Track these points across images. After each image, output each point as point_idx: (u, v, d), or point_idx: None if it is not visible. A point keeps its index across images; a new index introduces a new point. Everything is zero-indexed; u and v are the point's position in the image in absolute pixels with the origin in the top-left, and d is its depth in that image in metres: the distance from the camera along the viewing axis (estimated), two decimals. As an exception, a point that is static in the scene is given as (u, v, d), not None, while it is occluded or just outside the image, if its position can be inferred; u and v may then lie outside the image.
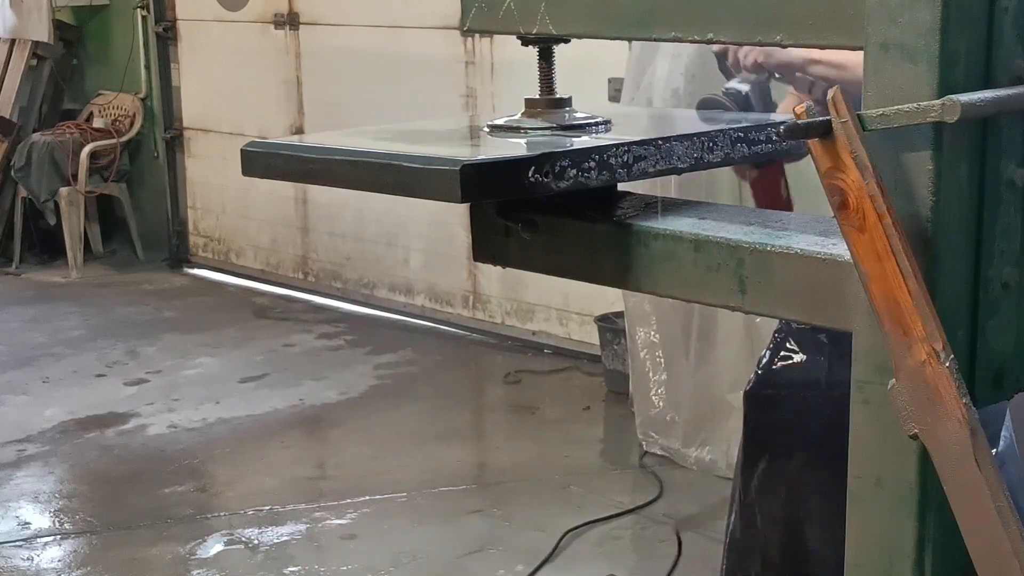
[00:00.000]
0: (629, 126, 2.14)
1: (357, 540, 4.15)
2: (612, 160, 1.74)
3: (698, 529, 4.12)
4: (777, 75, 2.55)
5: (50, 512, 4.45)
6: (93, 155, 7.68)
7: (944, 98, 1.33)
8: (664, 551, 4.01)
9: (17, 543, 4.19)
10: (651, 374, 4.68)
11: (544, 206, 1.80)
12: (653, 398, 4.68)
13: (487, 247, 1.93)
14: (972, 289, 1.45)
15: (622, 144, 1.76)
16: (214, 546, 4.15)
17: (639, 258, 1.72)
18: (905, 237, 1.35)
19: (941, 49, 1.36)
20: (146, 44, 7.85)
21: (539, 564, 3.91)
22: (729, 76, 2.58)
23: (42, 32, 7.90)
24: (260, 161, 1.90)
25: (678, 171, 1.84)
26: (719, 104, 2.47)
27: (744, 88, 2.50)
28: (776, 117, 2.17)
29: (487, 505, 4.38)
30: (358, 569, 3.95)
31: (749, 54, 2.51)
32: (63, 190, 7.57)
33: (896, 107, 1.36)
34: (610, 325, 5.25)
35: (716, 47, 2.55)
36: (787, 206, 2.74)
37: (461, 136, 2.21)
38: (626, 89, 4.63)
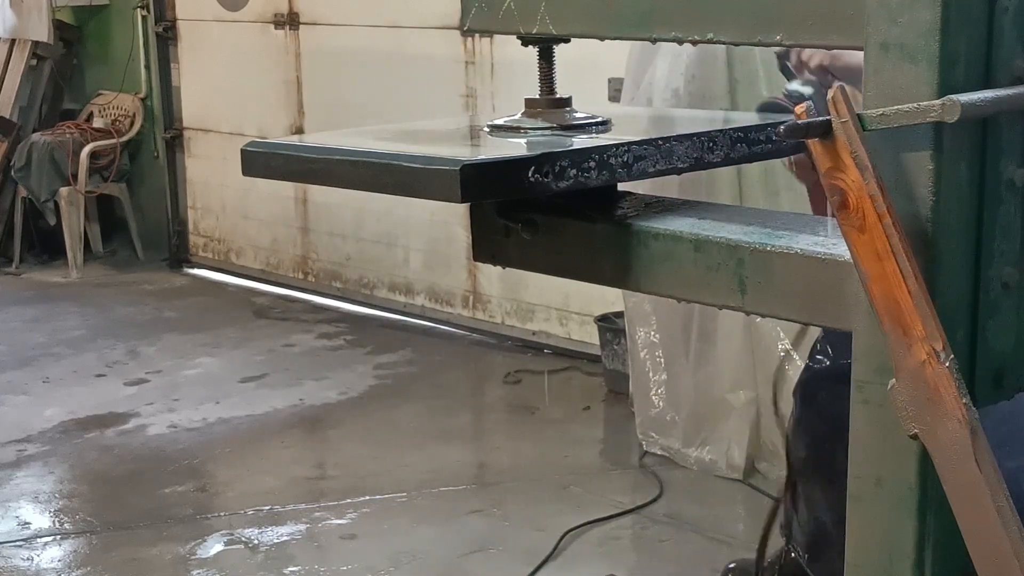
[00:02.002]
0: (629, 126, 2.14)
1: (357, 540, 4.15)
2: (612, 160, 1.74)
3: (698, 529, 4.12)
4: (840, 79, 2.54)
5: (50, 512, 4.44)
6: (93, 155, 7.68)
7: (944, 98, 1.33)
8: (664, 551, 4.01)
9: (17, 543, 4.19)
10: (651, 374, 4.68)
11: (544, 206, 1.81)
12: (653, 398, 4.68)
13: (487, 247, 1.94)
14: (972, 289, 1.45)
15: (622, 144, 1.76)
16: (214, 546, 4.15)
17: (639, 258, 1.72)
18: (905, 237, 1.35)
19: (941, 49, 1.36)
20: (146, 44, 7.85)
21: (539, 564, 3.91)
22: (791, 77, 2.55)
23: (42, 32, 7.90)
24: (260, 161, 1.90)
25: (678, 171, 1.84)
26: (781, 108, 2.44)
27: (808, 91, 2.48)
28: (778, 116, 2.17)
29: (487, 505, 4.38)
30: (358, 569, 3.95)
31: (814, 56, 2.48)
32: (63, 190, 7.57)
33: (896, 107, 1.36)
34: (610, 325, 5.25)
35: (778, 48, 2.52)
36: None
37: (461, 136, 2.21)
38: (626, 89, 4.63)
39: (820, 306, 1.54)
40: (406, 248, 6.61)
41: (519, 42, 1.90)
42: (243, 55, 7.31)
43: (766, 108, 2.49)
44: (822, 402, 2.87)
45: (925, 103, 1.34)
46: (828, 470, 2.87)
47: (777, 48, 2.51)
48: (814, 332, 3.01)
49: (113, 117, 8.00)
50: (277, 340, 6.30)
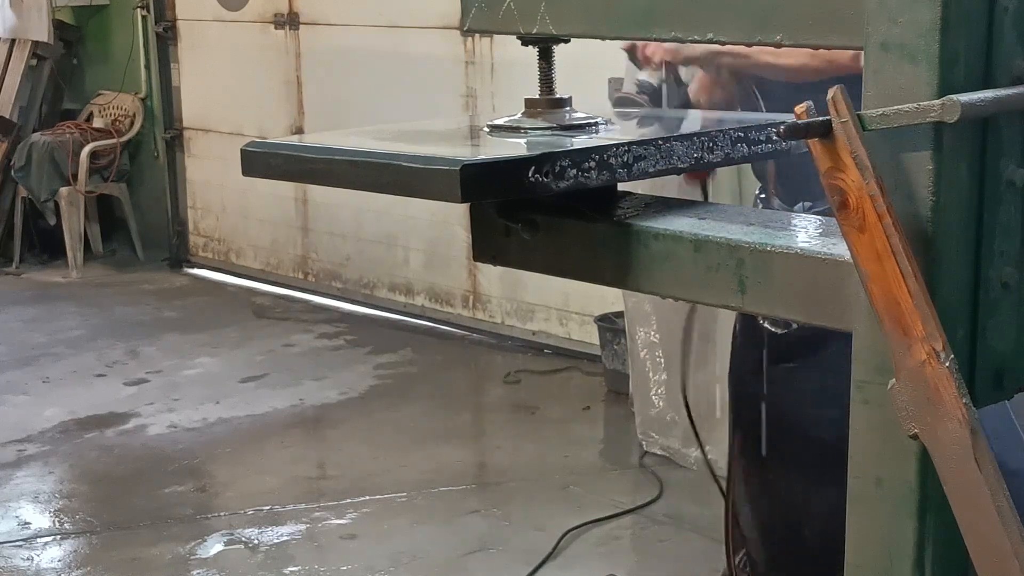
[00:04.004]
0: (629, 126, 2.14)
1: (357, 540, 4.15)
2: (612, 160, 1.74)
3: (698, 529, 4.12)
4: (684, 67, 2.63)
5: (50, 512, 4.45)
6: (93, 155, 7.68)
7: (944, 98, 1.33)
8: (664, 551, 4.01)
9: (17, 543, 4.19)
10: (651, 374, 4.68)
11: (544, 206, 1.80)
12: (653, 398, 4.68)
13: (487, 247, 1.93)
14: (972, 289, 1.45)
15: (622, 144, 1.76)
16: (214, 546, 4.15)
17: (639, 258, 1.72)
18: (905, 237, 1.35)
19: (941, 49, 1.36)
20: (146, 44, 7.85)
21: (539, 564, 3.91)
22: (641, 67, 2.65)
23: (42, 32, 7.90)
24: (260, 161, 1.90)
25: (678, 171, 1.84)
26: (635, 102, 2.52)
27: (655, 81, 2.57)
28: (776, 116, 2.17)
29: (487, 505, 4.38)
30: (358, 569, 3.95)
31: (656, 51, 2.59)
32: (63, 190, 7.58)
33: (896, 107, 1.36)
34: (610, 325, 5.25)
35: (624, 43, 2.63)
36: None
37: (461, 136, 2.21)
38: (626, 89, 4.63)
39: (820, 306, 1.54)
40: (406, 248, 6.61)
41: (519, 42, 1.90)
42: (243, 55, 7.31)
43: (621, 103, 2.55)
44: (753, 390, 2.88)
45: (925, 103, 1.34)
46: (766, 462, 2.87)
47: (623, 44, 2.61)
48: None
49: (113, 117, 8.00)
50: (277, 340, 6.30)
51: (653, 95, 2.59)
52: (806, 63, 2.48)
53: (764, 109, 2.60)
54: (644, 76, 2.62)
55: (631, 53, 2.70)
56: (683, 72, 2.67)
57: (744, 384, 2.90)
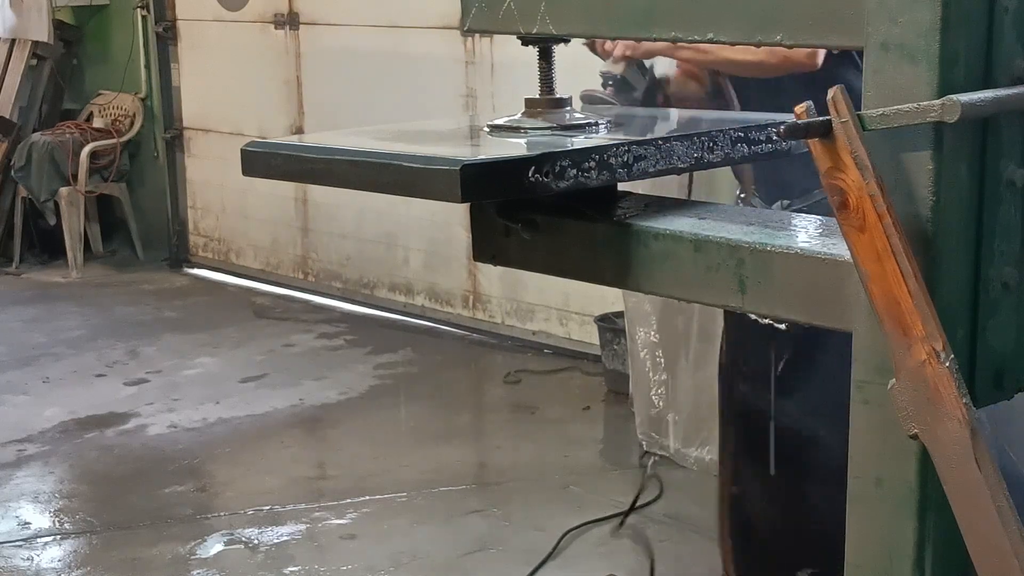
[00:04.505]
0: (629, 126, 2.15)
1: (357, 540, 4.15)
2: (612, 160, 1.74)
3: (698, 529, 4.12)
4: (646, 61, 2.65)
5: (50, 512, 4.45)
6: (93, 155, 7.68)
7: (944, 98, 1.33)
8: (664, 551, 4.01)
9: (17, 543, 4.19)
10: (651, 374, 4.68)
11: (544, 206, 1.80)
12: (653, 398, 4.68)
13: (487, 247, 1.93)
14: (972, 289, 1.45)
15: (622, 144, 1.76)
16: (214, 546, 4.15)
17: (639, 258, 1.72)
18: (905, 237, 1.35)
19: (941, 49, 1.36)
20: (146, 44, 7.85)
21: (539, 564, 3.91)
22: (604, 60, 2.66)
23: (42, 32, 7.90)
24: (260, 161, 1.90)
25: (678, 171, 1.84)
26: (602, 100, 2.53)
27: (617, 71, 2.59)
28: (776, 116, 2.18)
29: (487, 505, 4.38)
30: (358, 569, 3.95)
31: (617, 45, 2.60)
32: (63, 190, 7.57)
33: (896, 107, 1.36)
34: (610, 325, 5.25)
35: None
36: None
37: (461, 136, 2.21)
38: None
39: (820, 306, 1.54)
40: (406, 248, 6.61)
41: (519, 42, 1.90)
42: (243, 55, 7.31)
43: (588, 100, 2.56)
44: (744, 391, 2.89)
45: (925, 103, 1.34)
46: (759, 462, 2.88)
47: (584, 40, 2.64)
48: None
49: (113, 117, 7.99)
50: (277, 340, 6.30)
51: (618, 85, 2.60)
52: (764, 59, 2.50)
53: (737, 103, 2.61)
54: (607, 67, 2.64)
55: (591, 47, 2.72)
56: (646, 61, 2.69)
57: (734, 382, 2.90)
